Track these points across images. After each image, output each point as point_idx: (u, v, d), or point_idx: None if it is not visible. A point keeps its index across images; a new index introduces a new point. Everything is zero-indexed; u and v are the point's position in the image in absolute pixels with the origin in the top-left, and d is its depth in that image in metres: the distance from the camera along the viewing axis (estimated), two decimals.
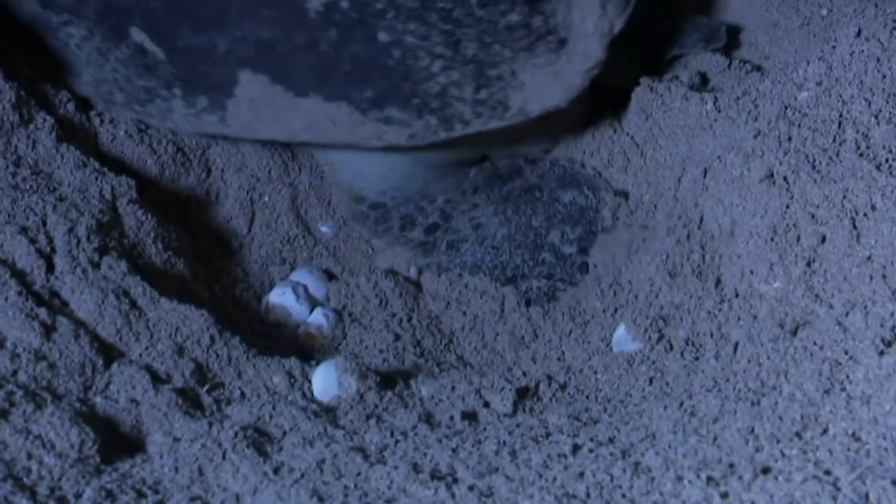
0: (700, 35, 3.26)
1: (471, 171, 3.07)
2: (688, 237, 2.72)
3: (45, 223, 2.47)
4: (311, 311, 2.84)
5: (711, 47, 3.24)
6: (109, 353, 2.32)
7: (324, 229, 3.08)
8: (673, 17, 3.30)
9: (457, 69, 2.80)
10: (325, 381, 2.40)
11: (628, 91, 3.09)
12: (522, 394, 2.45)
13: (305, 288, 2.86)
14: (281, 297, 2.83)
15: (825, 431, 1.93)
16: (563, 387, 2.52)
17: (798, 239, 2.41)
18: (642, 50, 3.22)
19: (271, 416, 2.26)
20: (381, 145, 2.85)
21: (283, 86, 2.79)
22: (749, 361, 2.27)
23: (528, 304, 2.90)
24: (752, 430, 1.99)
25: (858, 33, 2.65)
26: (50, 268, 2.41)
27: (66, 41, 2.87)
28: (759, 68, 3.22)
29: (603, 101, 3.14)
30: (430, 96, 2.80)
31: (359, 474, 2.03)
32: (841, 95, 2.56)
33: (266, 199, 3.00)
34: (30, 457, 2.00)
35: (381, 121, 2.80)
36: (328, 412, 2.31)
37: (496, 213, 3.00)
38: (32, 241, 2.43)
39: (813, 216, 2.41)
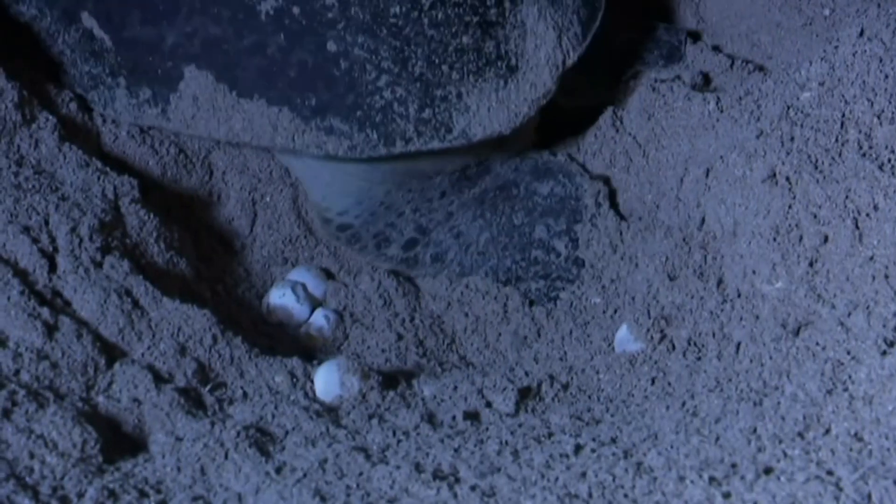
0: (660, 53, 3.26)
1: (435, 178, 3.03)
2: (690, 237, 2.72)
3: (47, 223, 2.48)
4: (312, 311, 2.84)
5: (671, 65, 3.24)
6: (112, 353, 2.32)
7: None
8: (633, 31, 3.29)
9: (402, 86, 2.80)
10: (327, 380, 2.40)
11: (591, 111, 3.08)
12: (525, 393, 2.45)
13: (304, 287, 2.86)
14: (282, 299, 2.83)
15: (827, 432, 1.93)
16: (566, 387, 2.52)
17: (800, 239, 2.41)
18: (605, 69, 3.21)
19: (273, 416, 2.26)
20: (320, 154, 2.84)
21: (227, 85, 2.79)
22: (751, 361, 2.27)
23: (531, 304, 2.89)
24: (755, 431, 1.99)
25: (861, 33, 2.65)
26: (52, 267, 2.41)
27: (17, 19, 2.86)
28: (761, 68, 3.22)
29: (563, 123, 3.15)
30: (374, 110, 2.79)
31: (361, 474, 2.03)
32: (843, 95, 2.56)
33: (268, 199, 3.00)
34: (32, 456, 2.00)
35: (322, 130, 2.79)
36: (330, 412, 2.31)
37: (475, 218, 2.98)
38: (35, 240, 2.43)
39: (815, 216, 2.41)
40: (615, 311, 2.77)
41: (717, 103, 2.92)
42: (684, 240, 2.72)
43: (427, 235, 2.95)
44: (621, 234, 2.89)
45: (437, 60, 2.81)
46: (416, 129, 2.81)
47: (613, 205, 2.96)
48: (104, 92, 2.85)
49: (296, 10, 2.76)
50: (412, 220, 2.98)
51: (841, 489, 1.77)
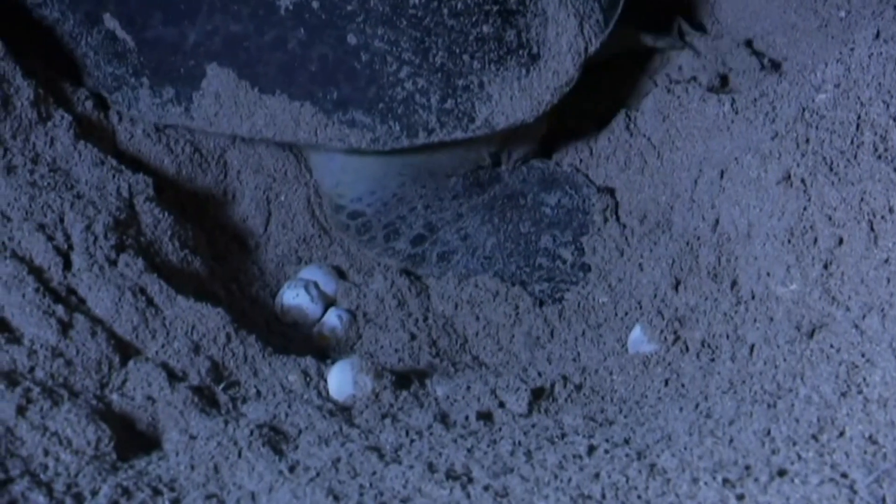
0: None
1: (449, 179, 3.03)
2: (704, 238, 2.71)
3: (62, 220, 2.48)
4: (325, 310, 2.85)
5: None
6: (126, 351, 2.33)
7: None
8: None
9: (424, 77, 2.81)
10: (340, 380, 2.40)
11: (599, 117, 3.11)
12: (538, 394, 2.45)
13: (317, 286, 2.86)
14: (296, 299, 2.83)
15: (842, 434, 1.93)
16: (579, 388, 2.52)
17: (815, 241, 2.41)
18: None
19: (287, 415, 2.26)
20: (343, 148, 2.85)
21: (248, 82, 2.80)
22: (765, 363, 2.27)
23: (541, 304, 2.89)
24: (769, 433, 1.98)
25: (877, 35, 2.65)
26: (67, 265, 2.42)
27: (40, 23, 2.87)
28: (777, 67, 3.21)
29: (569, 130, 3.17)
30: (396, 102, 2.80)
31: (374, 473, 2.03)
32: (859, 97, 2.55)
33: (282, 198, 3.01)
34: (46, 453, 2.01)
35: (344, 123, 2.80)
36: (343, 411, 2.31)
37: (483, 223, 2.98)
38: (50, 238, 2.43)
39: (830, 218, 2.40)
40: (626, 313, 2.77)
41: (731, 105, 2.92)
42: (698, 241, 2.72)
43: (435, 234, 2.95)
44: (627, 239, 2.89)
45: (457, 50, 2.82)
46: (438, 120, 2.82)
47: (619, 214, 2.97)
48: (128, 92, 2.86)
49: (315, 4, 2.77)
50: (422, 216, 2.98)
51: (855, 492, 1.77)
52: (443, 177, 3.02)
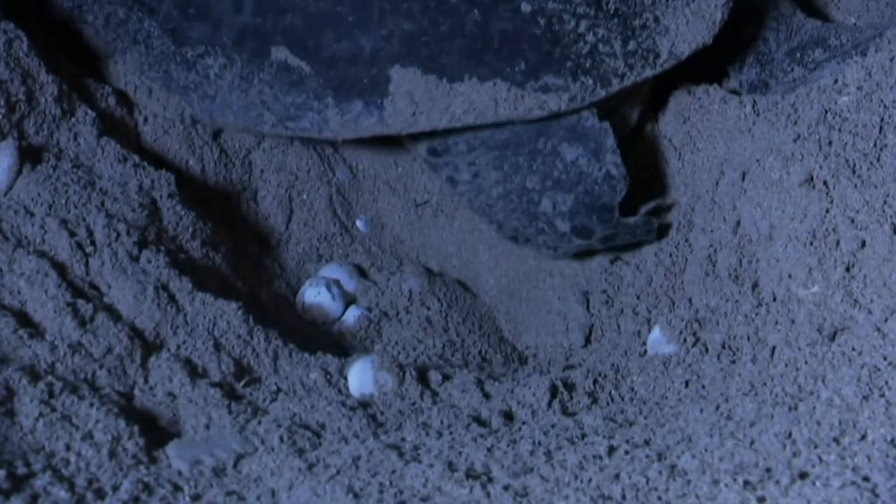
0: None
1: None
2: (725, 240, 2.71)
3: (85, 216, 2.49)
4: (346, 308, 2.85)
5: None
6: (147, 347, 2.33)
7: (358, 223, 3.09)
8: None
9: (602, 26, 2.83)
10: (361, 377, 2.41)
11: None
12: (559, 393, 2.45)
13: (338, 284, 2.86)
14: (316, 297, 2.84)
15: (863, 437, 1.92)
16: (601, 387, 2.52)
17: (837, 243, 2.40)
18: None
19: (307, 413, 2.26)
20: (545, 114, 2.85)
21: (435, 75, 2.80)
22: (786, 366, 2.26)
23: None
24: (790, 435, 1.98)
25: None
26: (89, 261, 2.43)
27: (206, 73, 2.89)
28: None
29: None
30: (582, 57, 2.82)
31: (394, 472, 2.03)
32: (882, 100, 2.55)
33: (304, 196, 3.01)
34: (68, 448, 2.02)
35: (539, 90, 2.81)
36: (364, 409, 2.31)
37: (494, 166, 2.96)
38: (72, 234, 2.44)
39: (853, 221, 2.40)
40: (648, 312, 2.77)
41: (753, 106, 2.91)
42: (719, 242, 2.71)
43: (448, 152, 2.96)
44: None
45: None
46: (626, 64, 2.85)
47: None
48: (314, 117, 2.85)
49: None
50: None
51: (877, 495, 1.76)
52: None
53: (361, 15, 2.79)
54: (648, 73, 2.86)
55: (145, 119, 2.90)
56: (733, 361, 2.40)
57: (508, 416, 2.34)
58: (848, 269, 2.36)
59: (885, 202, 2.37)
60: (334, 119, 2.84)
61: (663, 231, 2.99)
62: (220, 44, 2.86)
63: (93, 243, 2.46)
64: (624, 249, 3.03)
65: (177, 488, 1.99)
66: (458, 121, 2.82)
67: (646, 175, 3.03)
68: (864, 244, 2.36)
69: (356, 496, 1.95)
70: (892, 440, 1.89)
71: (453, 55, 2.79)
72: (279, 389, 2.37)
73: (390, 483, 1.99)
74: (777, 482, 1.84)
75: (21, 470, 1.93)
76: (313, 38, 2.82)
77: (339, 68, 2.82)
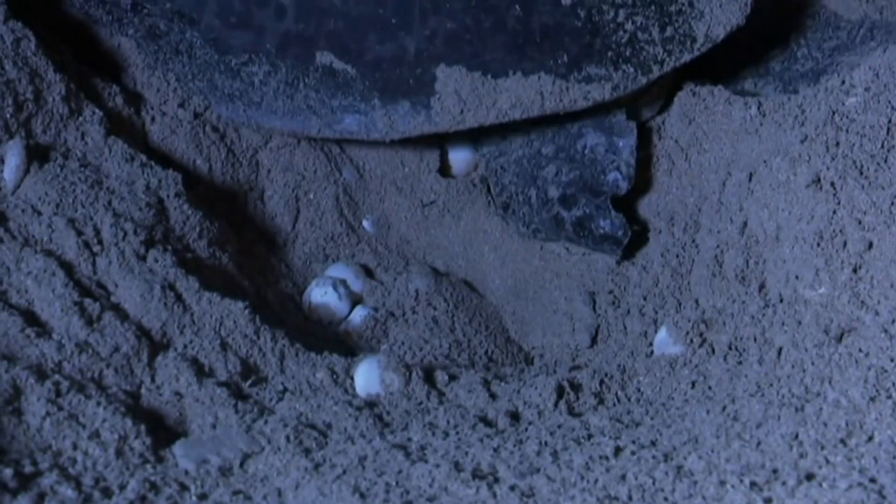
0: None
1: None
2: (732, 241, 2.70)
3: (92, 215, 2.49)
4: (352, 308, 2.85)
5: None
6: (154, 346, 2.33)
7: (365, 223, 3.09)
8: None
9: (640, 14, 2.89)
10: (367, 377, 2.41)
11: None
12: (565, 394, 2.45)
13: (345, 284, 2.87)
14: (323, 297, 2.84)
15: (870, 439, 1.92)
16: (607, 388, 2.51)
17: (844, 245, 2.40)
18: None
19: (314, 412, 2.26)
20: (589, 105, 2.90)
21: (480, 72, 2.86)
22: (793, 367, 2.26)
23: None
24: (797, 436, 1.97)
25: None
26: (96, 260, 2.43)
27: (251, 80, 2.92)
28: None
29: None
30: (622, 45, 2.88)
31: (400, 472, 2.03)
32: (889, 101, 2.55)
33: (311, 196, 3.02)
34: (75, 447, 2.02)
35: (582, 81, 2.87)
36: (370, 409, 2.31)
37: (522, 132, 3.06)
38: (80, 233, 2.45)
39: (860, 222, 2.39)
40: (655, 313, 2.77)
41: (759, 108, 2.92)
42: (726, 243, 2.71)
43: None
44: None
45: None
46: (665, 50, 2.91)
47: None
48: (360, 119, 2.90)
49: None
50: None
51: (884, 497, 1.76)
52: None
53: (404, 16, 2.84)
54: (686, 57, 2.92)
55: (153, 118, 2.90)
56: (740, 362, 2.40)
57: (515, 417, 2.34)
58: (855, 271, 2.35)
59: (892, 203, 2.37)
60: (381, 120, 2.89)
61: (631, 250, 3.02)
62: (263, 51, 2.90)
63: (100, 242, 2.46)
64: (587, 247, 3.05)
65: (183, 487, 1.99)
66: (505, 116, 2.88)
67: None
68: (871, 245, 2.36)
69: (362, 496, 1.95)
70: None
71: (497, 52, 2.85)
72: (286, 389, 2.37)
73: (396, 483, 1.99)
74: (784, 483, 1.84)
75: (28, 468, 1.93)
76: (357, 41, 2.87)
77: (384, 70, 2.87)
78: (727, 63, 3.15)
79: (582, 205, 2.98)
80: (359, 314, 2.83)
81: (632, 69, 2.88)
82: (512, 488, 1.94)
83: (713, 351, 2.51)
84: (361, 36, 2.87)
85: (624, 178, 2.94)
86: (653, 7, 2.89)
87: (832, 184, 2.48)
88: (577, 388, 2.47)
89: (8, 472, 1.89)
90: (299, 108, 2.91)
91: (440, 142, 3.11)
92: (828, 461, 1.88)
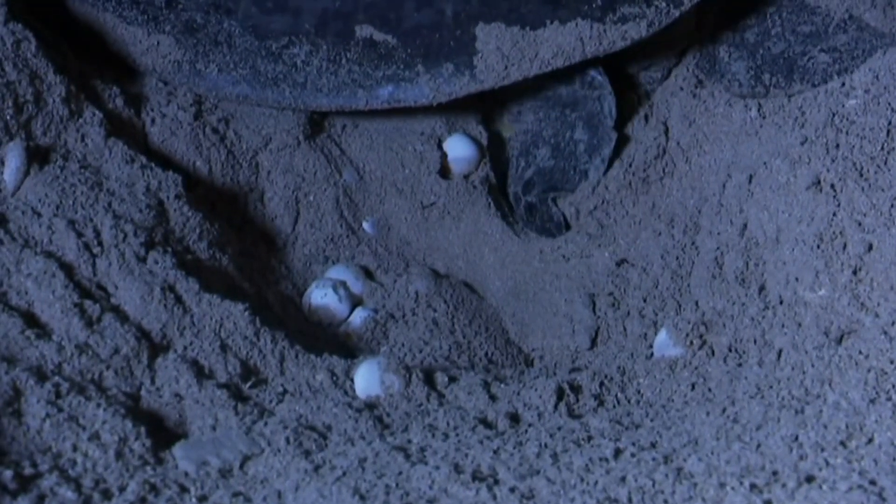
0: None
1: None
2: (732, 243, 2.70)
3: (92, 217, 2.49)
4: (352, 309, 2.85)
5: None
6: (154, 348, 2.34)
7: (365, 225, 3.09)
8: None
9: None
10: (367, 379, 2.41)
11: None
12: (565, 396, 2.45)
13: (345, 285, 2.87)
14: (323, 299, 2.84)
15: (870, 441, 1.92)
16: (607, 390, 2.52)
17: (844, 247, 2.40)
18: None
19: (314, 414, 2.27)
20: (628, 44, 2.94)
21: (518, 26, 2.90)
22: (793, 369, 2.26)
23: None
24: (797, 438, 1.98)
25: None
26: (96, 261, 2.43)
27: (293, 62, 2.96)
28: None
29: None
30: None
31: (400, 473, 2.03)
32: (889, 103, 2.55)
33: (311, 198, 3.02)
34: (75, 449, 2.02)
35: (618, 21, 2.91)
36: (370, 410, 2.31)
37: (535, 113, 3.12)
38: (80, 234, 2.45)
39: (860, 224, 2.39)
40: (655, 315, 2.77)
41: (759, 110, 2.92)
42: (726, 245, 2.71)
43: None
44: None
45: None
46: None
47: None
48: (406, 86, 2.95)
49: None
50: None
51: (884, 499, 1.76)
52: None
53: None
54: None
55: (153, 120, 2.90)
56: (740, 364, 2.40)
57: (515, 419, 2.34)
58: (855, 273, 2.36)
59: (892, 205, 2.37)
60: (427, 85, 2.95)
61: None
62: (303, 31, 2.95)
63: (100, 244, 2.46)
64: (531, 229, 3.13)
65: (183, 489, 2.00)
66: (548, 66, 2.93)
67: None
68: (871, 247, 2.36)
69: (362, 498, 1.95)
70: None
71: (532, 3, 2.90)
72: (285, 391, 2.37)
73: (396, 485, 1.99)
74: (783, 485, 1.84)
75: (28, 470, 1.94)
76: (394, 10, 2.93)
77: (424, 35, 2.93)
78: (706, 29, 3.17)
79: (534, 194, 3.09)
80: (359, 316, 2.83)
81: (664, 4, 2.92)
82: (512, 490, 1.94)
83: (713, 353, 2.51)
84: (398, 5, 2.92)
85: (588, 181, 3.06)
86: None
87: (832, 186, 2.48)
88: (576, 389, 2.47)
89: (8, 473, 1.89)
90: (344, 84, 2.96)
91: (481, 104, 3.16)
92: (828, 463, 1.88)
